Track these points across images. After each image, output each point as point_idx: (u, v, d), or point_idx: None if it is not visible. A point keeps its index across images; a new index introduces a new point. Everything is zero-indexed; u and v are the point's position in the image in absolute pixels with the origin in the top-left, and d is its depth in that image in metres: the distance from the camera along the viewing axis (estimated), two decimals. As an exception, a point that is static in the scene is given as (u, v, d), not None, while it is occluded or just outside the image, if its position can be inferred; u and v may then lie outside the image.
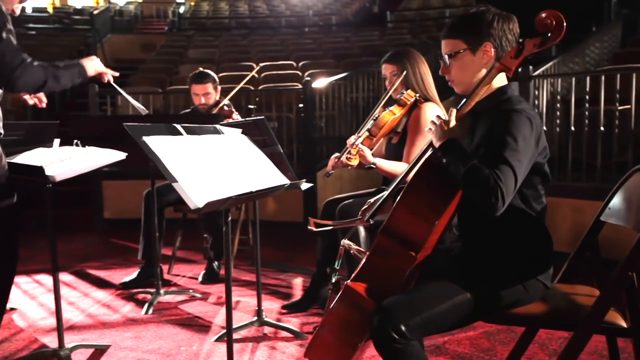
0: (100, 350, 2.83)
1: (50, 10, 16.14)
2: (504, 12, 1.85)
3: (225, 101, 4.19)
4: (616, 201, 1.96)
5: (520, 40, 1.77)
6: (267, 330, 3.05)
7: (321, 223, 2.16)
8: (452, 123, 1.79)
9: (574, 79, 4.82)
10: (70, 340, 2.91)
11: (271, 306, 3.45)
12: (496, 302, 1.75)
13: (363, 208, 2.09)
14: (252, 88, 6.96)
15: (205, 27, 14.54)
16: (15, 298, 3.69)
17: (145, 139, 1.86)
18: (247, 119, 3.11)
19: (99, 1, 18.60)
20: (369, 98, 6.60)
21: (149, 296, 3.61)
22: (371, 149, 2.97)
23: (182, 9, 16.97)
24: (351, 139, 2.94)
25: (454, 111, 1.82)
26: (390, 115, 2.99)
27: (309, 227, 2.16)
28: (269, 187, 2.17)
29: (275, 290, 3.83)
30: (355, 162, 2.87)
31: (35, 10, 15.73)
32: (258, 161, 2.35)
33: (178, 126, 2.09)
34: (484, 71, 1.84)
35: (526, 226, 1.80)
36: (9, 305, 3.50)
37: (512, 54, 1.77)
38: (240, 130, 2.50)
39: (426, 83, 3.07)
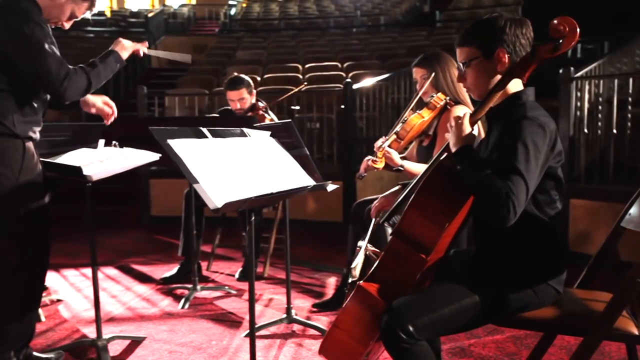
0: (136, 341, 2.97)
1: (108, 13, 16.73)
2: (516, 17, 1.86)
3: (261, 104, 4.28)
4: (636, 208, 1.94)
5: (533, 46, 1.79)
6: (295, 327, 3.13)
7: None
8: (467, 129, 1.81)
9: (616, 81, 4.70)
10: (109, 331, 3.07)
11: (303, 304, 3.52)
12: (504, 306, 1.77)
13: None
14: (294, 89, 7.06)
15: (255, 29, 14.77)
16: (61, 290, 3.90)
17: (170, 141, 1.96)
18: (276, 122, 3.19)
19: (154, 4, 19.13)
20: (397, 99, 6.60)
21: (186, 291, 3.74)
22: (400, 152, 3.00)
23: (233, 11, 17.26)
24: (378, 142, 2.97)
25: (468, 115, 1.84)
26: (419, 119, 3.01)
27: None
28: (291, 188, 2.25)
29: (308, 289, 3.91)
30: (380, 164, 2.90)
31: (93, 14, 16.33)
32: (283, 163, 2.42)
33: (204, 129, 2.18)
34: (499, 77, 1.85)
35: (538, 232, 1.80)
36: (55, 297, 3.73)
37: (525, 60, 1.78)
38: (268, 132, 2.59)
39: (457, 86, 3.05)
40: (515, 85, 1.86)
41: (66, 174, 2.58)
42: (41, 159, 2.61)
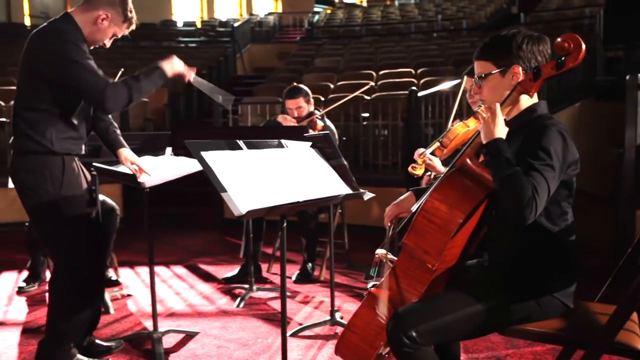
0: (189, 335, 3.21)
1: (198, 24, 17.53)
2: (534, 33, 1.90)
3: (317, 112, 4.43)
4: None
5: (537, 64, 1.83)
6: (339, 329, 3.25)
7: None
8: (500, 122, 1.81)
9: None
10: (167, 325, 3.33)
11: (352, 308, 3.64)
12: (507, 316, 1.82)
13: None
14: (366, 97, 7.17)
15: (337, 35, 14.98)
16: (133, 286, 4.23)
17: (203, 154, 2.15)
18: (316, 133, 3.31)
19: (242, 13, 19.83)
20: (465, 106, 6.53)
21: (243, 291, 3.96)
22: (444, 160, 3.05)
23: (317, 18, 17.60)
24: (420, 149, 3.04)
25: (498, 106, 1.84)
26: (463, 127, 3.04)
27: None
28: (320, 197, 2.38)
29: (360, 293, 4.02)
30: (419, 171, 2.97)
31: (185, 24, 17.21)
32: (318, 172, 2.56)
33: (240, 142, 2.36)
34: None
35: (545, 243, 1.84)
36: (126, 292, 4.05)
37: (531, 77, 1.83)
38: (308, 143, 2.74)
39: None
40: (529, 99, 1.91)
41: (124, 181, 2.85)
42: (102, 166, 2.88)
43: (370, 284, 2.30)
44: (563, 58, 1.77)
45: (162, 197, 6.66)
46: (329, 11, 19.98)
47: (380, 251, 2.24)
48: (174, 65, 2.71)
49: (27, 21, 15.42)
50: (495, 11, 16.91)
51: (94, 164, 3.06)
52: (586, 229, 2.91)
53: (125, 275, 4.49)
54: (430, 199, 1.89)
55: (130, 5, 2.66)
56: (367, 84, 4.85)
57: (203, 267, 4.83)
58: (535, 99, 1.91)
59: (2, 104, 7.26)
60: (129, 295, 4.00)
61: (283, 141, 2.62)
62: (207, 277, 4.49)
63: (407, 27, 14.88)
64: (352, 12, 18.64)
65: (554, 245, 1.85)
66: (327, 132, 2.96)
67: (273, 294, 3.98)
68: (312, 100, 4.53)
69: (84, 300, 2.71)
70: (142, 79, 2.55)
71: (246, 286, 3.99)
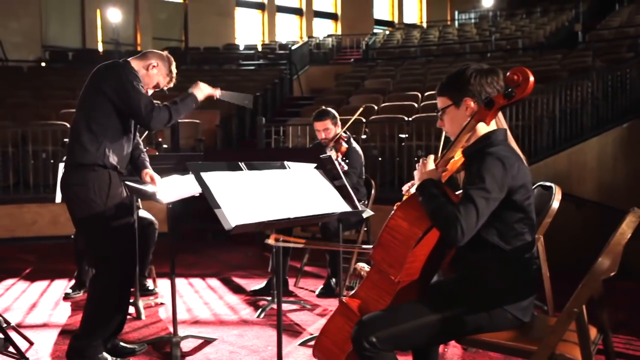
0: (207, 341, 3.46)
1: (259, 47, 18.16)
2: (484, 67, 2.07)
3: (344, 134, 4.63)
4: None
5: (487, 95, 1.99)
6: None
7: (283, 239, 2.52)
8: (430, 166, 2.07)
9: None
10: (190, 331, 3.60)
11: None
12: (461, 326, 1.97)
13: None
14: (406, 118, 7.33)
15: (393, 56, 15.17)
16: (167, 295, 4.54)
17: (203, 174, 2.41)
18: (323, 155, 3.49)
19: (302, 36, 20.37)
20: (513, 127, 6.57)
21: (266, 303, 4.20)
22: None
23: (373, 39, 17.86)
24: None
25: (431, 157, 2.10)
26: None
27: (267, 241, 2.53)
28: (315, 214, 2.60)
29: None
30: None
31: (246, 47, 17.86)
32: (316, 191, 2.77)
33: (241, 163, 2.61)
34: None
35: (497, 261, 1.99)
36: (160, 300, 4.36)
37: (484, 107, 1.99)
38: (313, 165, 2.96)
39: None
40: (487, 127, 2.07)
41: (147, 198, 3.16)
42: (130, 184, 3.21)
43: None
44: (510, 89, 1.92)
45: (210, 214, 7.02)
46: (387, 32, 20.26)
47: (360, 265, 2.43)
48: (202, 89, 3.12)
49: (100, 47, 16.44)
50: (556, 30, 16.68)
51: (125, 182, 3.39)
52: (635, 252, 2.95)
53: (162, 285, 4.82)
54: (394, 217, 2.07)
55: (174, 66, 3.19)
56: (412, 105, 4.99)
57: (236, 279, 5.10)
58: (492, 126, 2.06)
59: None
60: (162, 304, 4.31)
61: (286, 163, 2.86)
62: (237, 290, 4.75)
63: (462, 48, 14.91)
64: (410, 33, 18.80)
65: (507, 263, 1.99)
66: (329, 155, 3.17)
67: (294, 307, 4.20)
68: (339, 123, 4.75)
69: (116, 303, 3.05)
70: (179, 104, 3.02)
71: (269, 298, 4.22)
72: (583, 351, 1.79)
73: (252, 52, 16.89)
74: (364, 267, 2.38)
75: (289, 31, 20.74)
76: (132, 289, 3.22)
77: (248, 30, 20.04)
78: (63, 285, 4.84)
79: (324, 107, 4.84)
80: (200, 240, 7.01)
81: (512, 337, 1.95)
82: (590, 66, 9.30)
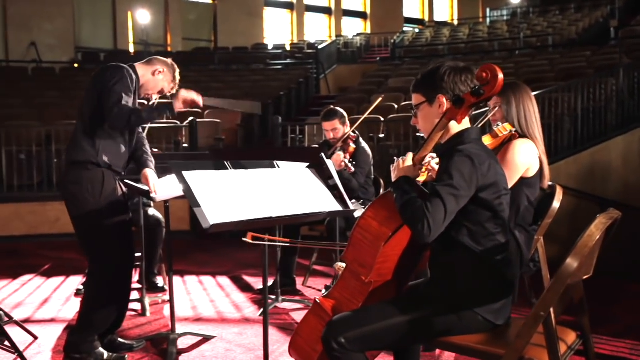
0: (205, 339, 3.50)
1: (287, 47, 18.22)
2: (459, 65, 2.04)
3: (353, 134, 4.61)
4: None
5: (458, 93, 1.96)
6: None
7: (258, 237, 2.52)
8: (407, 163, 2.05)
9: None
10: (191, 329, 3.64)
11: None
12: (429, 328, 1.94)
13: None
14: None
15: (420, 55, 15.03)
16: (177, 292, 4.58)
17: (185, 173, 2.43)
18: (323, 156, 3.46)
19: (331, 35, 20.37)
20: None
21: (270, 302, 4.21)
22: None
23: (402, 38, 17.73)
24: (427, 158, 3.13)
25: (410, 155, 2.07)
26: None
27: (244, 239, 2.53)
28: (301, 213, 2.59)
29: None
30: (422, 177, 3.06)
31: (275, 47, 17.94)
32: (305, 190, 2.77)
33: (226, 162, 2.63)
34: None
35: (467, 262, 1.95)
36: (167, 297, 4.41)
37: (454, 105, 1.96)
38: (305, 164, 2.96)
39: (528, 119, 2.99)
40: (459, 126, 2.04)
41: (141, 194, 3.21)
42: (126, 181, 3.26)
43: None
44: (480, 87, 1.89)
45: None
46: (417, 30, 20.10)
47: (339, 264, 2.42)
48: (180, 98, 3.08)
49: (131, 48, 16.75)
50: (589, 26, 16.29)
51: (124, 180, 3.45)
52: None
53: (173, 282, 4.88)
54: (365, 216, 2.06)
55: (178, 72, 3.30)
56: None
57: (246, 278, 5.14)
58: (464, 125, 2.03)
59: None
60: (168, 301, 4.35)
61: (276, 162, 2.87)
62: (245, 288, 4.78)
63: (491, 45, 14.69)
64: (440, 31, 18.63)
65: (477, 264, 1.95)
66: (321, 155, 3.16)
67: (298, 306, 4.20)
68: (347, 122, 4.72)
69: (110, 299, 3.10)
70: (146, 110, 3.05)
71: (273, 297, 4.24)
72: (551, 356, 1.75)
73: (279, 51, 16.95)
74: (342, 266, 2.37)
75: (318, 30, 20.77)
76: (130, 286, 3.26)
77: (277, 30, 20.14)
78: (77, 282, 4.94)
79: (332, 107, 4.82)
80: (217, 239, 7.07)
81: (481, 340, 1.92)
82: (618, 63, 9.06)
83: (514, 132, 2.98)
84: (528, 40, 14.36)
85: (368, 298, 2.07)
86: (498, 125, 3.03)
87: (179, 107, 3.06)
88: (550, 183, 3.23)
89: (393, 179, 2.06)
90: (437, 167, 3.04)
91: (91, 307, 3.03)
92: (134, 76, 3.09)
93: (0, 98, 10.04)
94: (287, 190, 2.68)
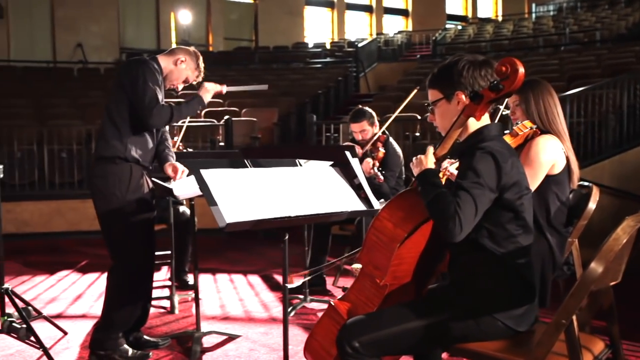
0: (231, 338, 3.48)
1: (328, 45, 18.18)
2: (478, 58, 1.94)
3: (380, 133, 4.51)
4: None
5: (477, 89, 1.86)
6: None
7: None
8: (430, 157, 1.96)
9: None
10: (217, 328, 3.63)
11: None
12: (446, 334, 1.86)
13: None
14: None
15: (462, 52, 14.75)
16: (206, 290, 4.62)
17: (202, 171, 2.41)
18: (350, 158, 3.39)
19: (372, 33, 20.23)
20: (575, 124, 6.22)
21: (299, 301, 4.18)
22: None
23: (443, 35, 17.46)
24: (445, 164, 3.05)
25: (431, 148, 1.98)
26: None
27: (288, 285, 2.47)
28: (320, 212, 2.54)
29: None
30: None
31: (315, 46, 17.93)
32: (327, 189, 2.71)
33: (246, 160, 2.59)
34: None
35: (486, 264, 1.86)
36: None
37: (473, 101, 1.87)
38: (329, 162, 2.91)
39: (550, 116, 2.87)
40: (479, 122, 1.94)
41: (167, 194, 3.21)
42: (153, 179, 3.27)
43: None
44: (495, 81, 1.79)
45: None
46: (459, 27, 19.76)
47: (356, 266, 2.35)
48: (208, 90, 3.16)
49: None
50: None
51: (152, 178, 3.46)
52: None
53: (204, 280, 4.91)
54: (380, 217, 1.99)
55: (201, 60, 3.26)
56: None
57: (277, 277, 5.11)
58: (484, 121, 1.94)
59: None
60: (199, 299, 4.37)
61: (298, 160, 2.82)
62: (275, 287, 4.76)
63: (535, 41, 14.32)
64: (483, 28, 18.28)
65: (498, 268, 1.86)
66: (346, 152, 3.08)
67: (326, 306, 4.14)
68: (376, 123, 4.63)
69: (133, 295, 3.11)
70: (183, 105, 3.08)
71: (301, 296, 4.20)
72: (572, 365, 1.65)
73: (319, 50, 16.92)
74: (358, 268, 2.30)
75: (359, 29, 20.64)
76: (152, 284, 3.26)
77: (318, 28, 20.11)
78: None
79: (360, 107, 4.74)
80: (251, 238, 7.08)
81: (501, 347, 1.82)
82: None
83: (535, 129, 2.86)
84: (574, 35, 13.92)
85: (384, 301, 2.00)
86: (517, 123, 2.91)
87: (207, 98, 3.12)
88: (586, 183, 3.08)
89: (416, 173, 1.96)
90: (456, 172, 2.97)
91: (113, 305, 3.04)
92: (158, 69, 3.07)
93: (46, 98, 10.32)
94: (307, 189, 2.63)
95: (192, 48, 3.28)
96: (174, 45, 17.09)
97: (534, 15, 21.27)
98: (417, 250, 1.98)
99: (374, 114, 4.62)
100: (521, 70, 1.77)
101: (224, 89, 3.23)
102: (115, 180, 2.99)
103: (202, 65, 3.25)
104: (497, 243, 1.86)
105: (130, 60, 3.13)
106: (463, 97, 1.92)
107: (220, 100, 9.87)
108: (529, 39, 14.82)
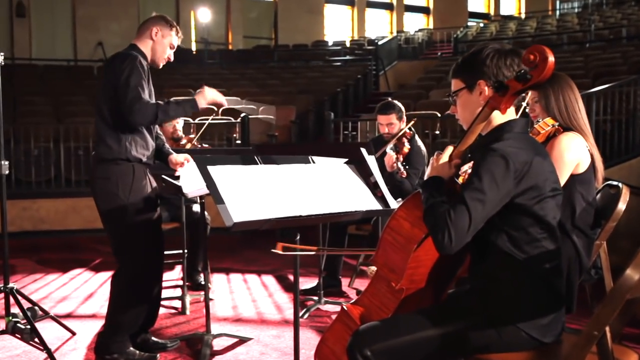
0: (242, 340, 3.37)
1: (347, 43, 18.03)
2: (505, 47, 1.80)
3: (409, 131, 4.36)
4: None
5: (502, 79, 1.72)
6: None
7: (289, 247, 2.33)
8: (443, 160, 1.83)
9: None
10: (229, 330, 3.53)
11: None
12: (464, 344, 1.72)
13: None
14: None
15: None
16: (219, 290, 4.52)
17: (209, 168, 2.29)
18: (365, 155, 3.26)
19: (392, 31, 20.02)
20: (601, 121, 6.01)
21: (313, 303, 4.05)
22: None
23: (465, 33, 17.21)
24: (464, 167, 2.92)
25: (449, 149, 1.85)
26: None
27: (273, 250, 2.34)
28: (333, 212, 2.42)
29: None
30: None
31: (334, 44, 17.79)
32: (340, 188, 2.59)
33: (256, 157, 2.48)
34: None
35: (508, 269, 1.72)
36: (210, 295, 4.33)
37: (497, 92, 1.73)
38: (344, 160, 2.78)
39: (571, 111, 2.74)
40: (504, 116, 1.80)
41: (175, 191, 3.11)
42: (163, 176, 3.17)
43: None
44: (523, 71, 1.65)
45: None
46: (482, 25, 19.48)
47: (372, 267, 2.22)
48: (206, 96, 2.96)
49: (193, 46, 16.99)
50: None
51: (162, 175, 3.36)
52: None
53: (217, 280, 4.81)
54: (396, 217, 1.86)
55: (169, 18, 3.03)
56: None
57: (291, 277, 5.00)
58: (509, 115, 1.79)
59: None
60: (210, 299, 4.27)
61: (311, 157, 2.70)
62: (289, 288, 4.64)
63: (559, 39, 14.02)
64: (506, 25, 17.98)
65: (519, 273, 1.71)
66: (362, 150, 2.96)
67: (339, 308, 4.02)
68: (404, 118, 4.48)
69: (139, 297, 3.00)
70: (171, 104, 2.87)
71: (316, 298, 4.08)
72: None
73: (339, 48, 16.78)
74: (373, 270, 2.17)
75: (379, 26, 20.45)
76: (160, 286, 3.16)
77: (338, 26, 19.97)
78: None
79: (389, 100, 4.61)
80: (268, 236, 6.96)
81: (525, 359, 1.68)
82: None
83: (557, 127, 2.70)
84: (600, 32, 13.60)
85: (400, 307, 1.87)
86: (538, 121, 2.76)
87: (202, 104, 2.94)
88: (615, 183, 2.91)
89: (426, 176, 1.85)
90: None
91: (118, 307, 2.95)
92: (142, 60, 2.89)
93: (65, 96, 10.33)
94: (320, 187, 2.51)
95: (153, 13, 3.10)
96: (193, 44, 17.11)
97: (557, 13, 20.90)
98: (436, 252, 1.84)
99: (403, 108, 4.48)
100: (551, 58, 1.62)
101: (224, 102, 3.05)
102: (117, 180, 2.87)
103: (174, 23, 3.05)
104: (519, 247, 1.71)
105: (114, 56, 2.96)
106: (486, 87, 1.78)
107: (238, 98, 9.80)
108: (553, 36, 14.51)
